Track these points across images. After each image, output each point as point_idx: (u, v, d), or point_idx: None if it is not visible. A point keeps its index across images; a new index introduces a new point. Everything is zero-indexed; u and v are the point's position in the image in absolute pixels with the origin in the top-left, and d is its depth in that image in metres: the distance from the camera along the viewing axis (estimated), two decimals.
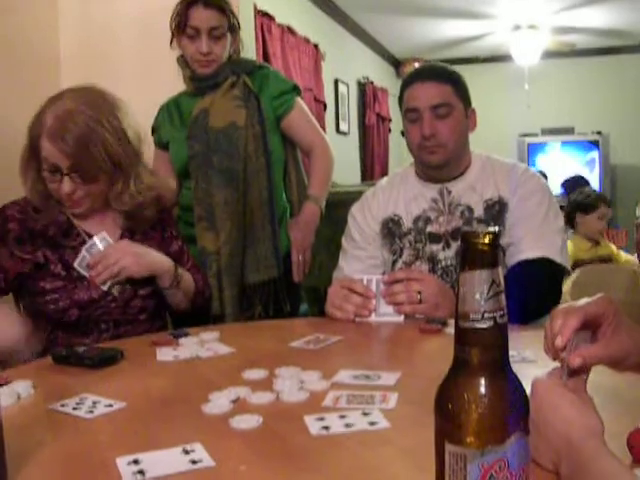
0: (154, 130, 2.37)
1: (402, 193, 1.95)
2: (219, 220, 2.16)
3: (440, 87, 1.84)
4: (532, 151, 8.55)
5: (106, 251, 1.72)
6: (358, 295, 1.70)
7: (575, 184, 6.29)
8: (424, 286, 1.68)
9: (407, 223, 1.91)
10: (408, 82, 1.90)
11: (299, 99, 2.36)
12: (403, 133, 1.93)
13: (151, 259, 1.76)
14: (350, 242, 1.99)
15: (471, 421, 0.55)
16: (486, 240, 0.56)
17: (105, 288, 1.72)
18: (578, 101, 8.67)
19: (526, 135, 8.56)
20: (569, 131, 8.63)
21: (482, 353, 0.56)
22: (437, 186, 1.90)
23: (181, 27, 2.19)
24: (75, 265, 1.72)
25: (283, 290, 2.24)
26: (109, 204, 1.80)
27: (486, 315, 0.55)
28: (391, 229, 1.93)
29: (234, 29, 2.26)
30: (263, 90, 2.27)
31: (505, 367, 0.57)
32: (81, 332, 1.73)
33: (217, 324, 2.02)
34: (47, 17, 2.41)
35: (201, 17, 2.16)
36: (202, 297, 1.96)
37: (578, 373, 0.83)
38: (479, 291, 0.55)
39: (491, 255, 0.56)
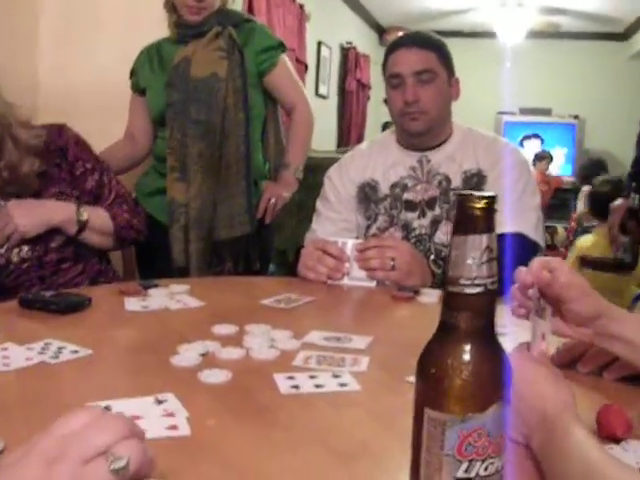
0: (132, 73, 2.31)
1: (381, 159, 1.93)
2: (191, 172, 2.12)
3: (424, 54, 1.82)
4: (509, 129, 8.58)
5: None
6: (332, 257, 1.69)
7: (596, 169, 6.26)
8: (398, 253, 1.67)
9: (384, 189, 1.90)
10: (392, 48, 1.87)
11: (284, 56, 2.30)
12: (386, 101, 1.91)
13: (44, 213, 1.69)
14: (325, 204, 1.97)
15: (453, 387, 0.54)
16: (482, 204, 0.54)
17: (2, 251, 1.66)
18: (558, 83, 8.69)
19: (504, 113, 8.57)
20: (546, 112, 8.67)
21: (470, 319, 0.55)
22: (417, 154, 1.89)
23: None
24: None
25: (255, 248, 2.21)
26: None
27: (477, 281, 0.54)
28: (367, 194, 1.91)
29: None
30: (248, 44, 2.20)
31: (492, 335, 0.56)
32: (5, 294, 1.61)
33: (182, 277, 2.01)
34: None
35: None
36: (131, 230, 1.88)
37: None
38: (472, 256, 0.54)
39: (486, 220, 0.54)
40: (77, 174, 1.82)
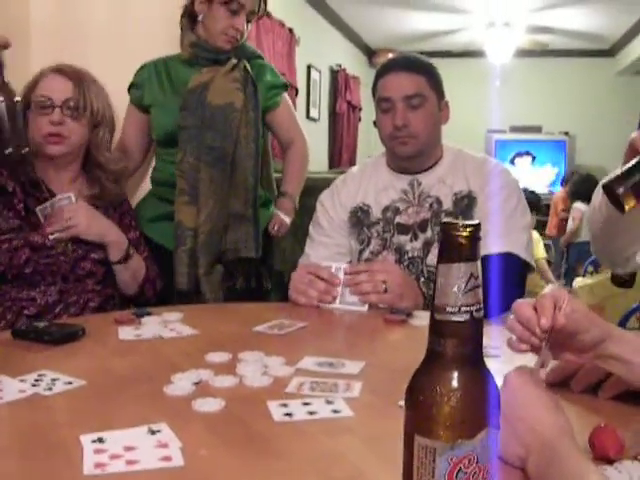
0: (133, 87, 2.29)
1: (372, 183, 1.95)
2: (202, 197, 2.14)
3: (414, 78, 1.83)
4: (499, 148, 8.63)
5: (66, 207, 1.79)
6: (323, 281, 1.70)
7: (587, 185, 6.25)
8: (389, 276, 1.68)
9: (376, 213, 1.91)
10: (382, 72, 1.89)
11: (286, 95, 2.40)
12: (375, 123, 1.92)
13: (104, 227, 1.82)
14: (317, 229, 1.98)
15: (442, 414, 0.55)
16: (466, 232, 0.55)
17: (51, 238, 1.76)
18: (547, 101, 8.76)
19: (494, 131, 8.63)
20: (537, 130, 8.73)
21: (457, 346, 0.55)
22: (408, 177, 1.90)
23: None
24: (37, 209, 1.78)
25: (263, 269, 2.23)
26: (79, 172, 1.89)
27: (463, 309, 0.55)
28: (360, 218, 1.92)
29: (258, 18, 2.30)
30: (258, 80, 2.27)
31: (479, 361, 0.56)
32: (28, 283, 1.74)
33: (183, 300, 2.05)
34: None
35: None
36: (152, 287, 1.96)
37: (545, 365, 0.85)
38: (457, 284, 0.55)
39: (471, 248, 0.55)
40: (124, 223, 1.95)
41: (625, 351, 0.94)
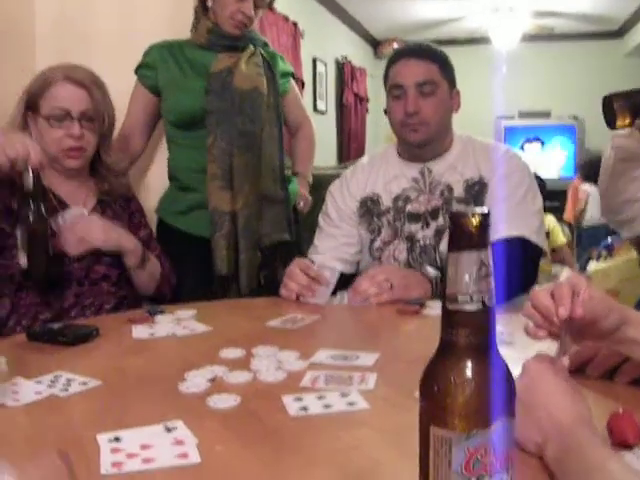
0: (144, 67, 2.25)
1: (382, 172, 1.94)
2: (237, 182, 2.16)
3: (426, 65, 1.83)
4: (508, 134, 8.58)
5: (78, 220, 1.76)
6: (305, 276, 1.70)
7: (595, 168, 6.27)
8: (388, 273, 1.70)
9: (386, 202, 1.91)
10: (394, 59, 1.89)
11: (293, 81, 2.48)
12: (386, 111, 1.91)
13: (119, 237, 1.80)
14: (326, 219, 1.98)
15: (457, 404, 0.54)
16: (476, 221, 0.54)
17: (70, 255, 1.74)
18: (556, 85, 8.70)
19: (503, 118, 8.58)
20: (546, 115, 8.68)
21: (469, 335, 0.55)
22: (418, 165, 1.90)
23: None
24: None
25: (296, 253, 2.26)
26: (86, 176, 1.88)
27: (474, 297, 0.54)
28: (369, 208, 1.92)
29: (269, 4, 2.30)
30: (273, 67, 2.31)
31: (493, 350, 0.56)
32: (44, 292, 1.73)
33: (223, 286, 2.11)
34: None
35: None
36: (168, 284, 1.96)
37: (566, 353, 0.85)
38: (468, 272, 0.54)
39: (480, 236, 0.55)
40: (134, 222, 1.95)
41: None
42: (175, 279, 2.00)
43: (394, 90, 1.85)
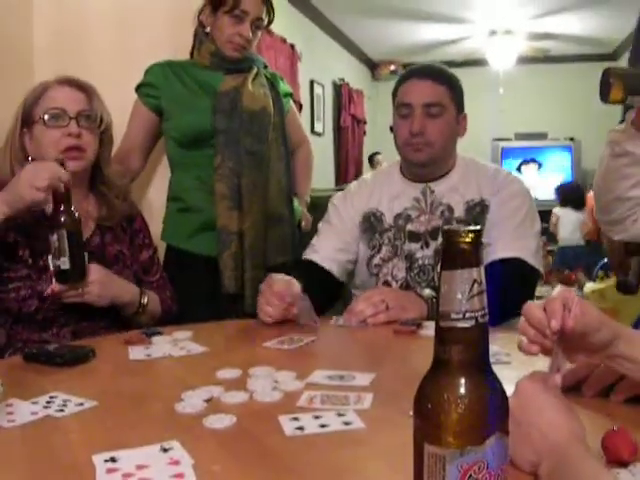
0: (146, 86, 2.25)
1: (386, 190, 1.96)
2: (246, 202, 2.17)
3: (436, 87, 1.85)
4: (505, 156, 8.62)
5: None
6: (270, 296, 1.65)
7: (571, 191, 6.56)
8: (384, 294, 1.70)
9: (388, 220, 1.92)
10: (405, 77, 1.91)
11: (292, 102, 2.51)
12: (392, 128, 1.93)
13: (116, 291, 1.73)
14: (327, 226, 2.00)
15: (451, 421, 0.54)
16: (468, 239, 0.55)
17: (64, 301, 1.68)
18: (552, 107, 8.76)
19: (500, 140, 8.63)
20: (542, 136, 8.72)
21: (463, 353, 0.55)
22: (420, 185, 1.91)
23: (228, 5, 2.15)
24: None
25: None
26: (86, 194, 1.83)
27: (467, 315, 0.55)
28: (372, 224, 1.94)
29: (267, 25, 2.30)
30: (276, 87, 2.34)
31: (485, 367, 0.56)
32: (40, 326, 1.69)
33: (231, 304, 2.12)
34: (21, 6, 2.37)
35: (253, 4, 2.16)
36: (169, 313, 1.93)
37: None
38: (461, 290, 0.55)
39: (473, 254, 0.55)
40: (136, 243, 1.91)
41: (636, 351, 0.94)
42: (176, 306, 1.97)
43: (402, 108, 1.87)
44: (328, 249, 1.94)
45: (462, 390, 0.55)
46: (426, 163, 1.87)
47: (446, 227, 0.54)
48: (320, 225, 2.04)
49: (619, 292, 2.56)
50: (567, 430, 0.75)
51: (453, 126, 1.88)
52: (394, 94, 1.92)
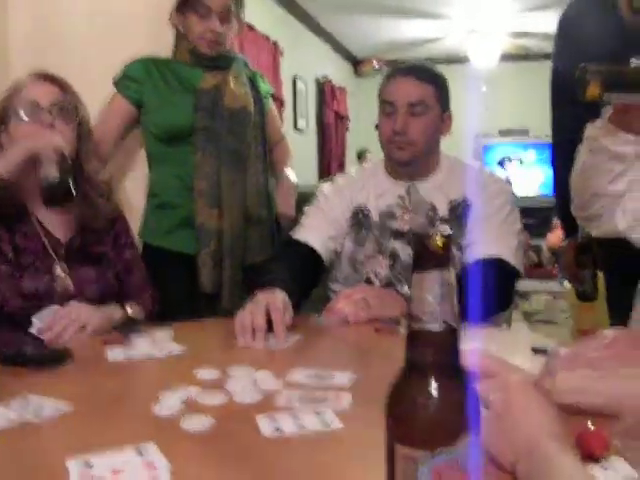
0: (127, 79, 2.22)
1: (372, 186, 1.96)
2: (225, 201, 2.17)
3: (421, 86, 1.84)
4: (487, 152, 8.65)
5: (60, 312, 1.62)
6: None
7: None
8: (364, 292, 1.71)
9: (374, 217, 1.92)
10: (390, 75, 1.90)
11: (271, 101, 2.50)
12: (377, 126, 1.92)
13: (105, 313, 1.69)
14: (318, 211, 1.97)
15: (421, 424, 0.54)
16: (437, 241, 0.55)
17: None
18: (533, 104, 8.78)
19: (482, 136, 8.66)
20: (524, 133, 8.76)
21: (433, 355, 0.55)
22: (405, 184, 1.91)
23: (190, 4, 2.15)
24: (33, 320, 1.62)
25: None
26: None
27: (437, 317, 0.55)
28: (360, 220, 1.93)
29: (240, 14, 2.26)
30: (256, 86, 2.34)
31: (457, 369, 0.56)
32: (21, 327, 1.65)
33: (209, 303, 2.10)
34: None
35: None
36: (152, 309, 1.91)
37: None
38: (430, 293, 0.55)
39: (442, 256, 0.55)
40: (119, 243, 1.90)
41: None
42: (157, 306, 1.95)
43: (385, 106, 1.87)
44: (320, 233, 1.91)
45: (433, 392, 0.55)
46: (408, 162, 1.87)
47: (414, 230, 0.54)
48: (308, 209, 2.01)
49: (580, 300, 2.64)
50: (547, 429, 0.75)
51: (437, 125, 1.88)
52: (380, 91, 1.92)
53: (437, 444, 0.54)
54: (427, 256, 0.55)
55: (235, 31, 2.26)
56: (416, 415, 0.55)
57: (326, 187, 2.03)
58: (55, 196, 1.68)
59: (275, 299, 1.55)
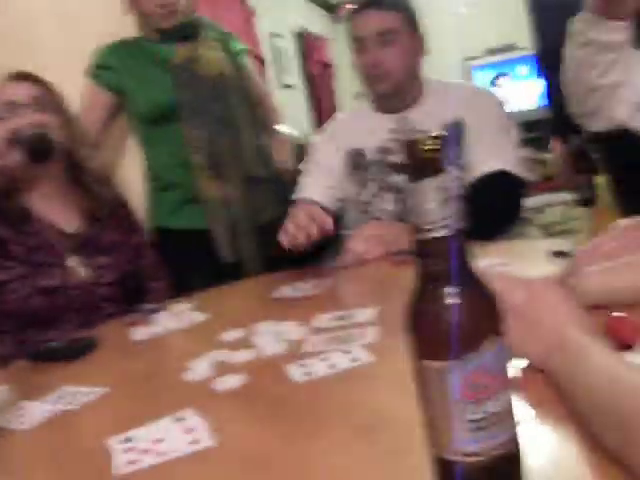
0: (100, 68, 2.19)
1: (362, 126, 1.93)
2: (224, 168, 2.16)
3: (384, 14, 1.81)
4: (477, 73, 8.54)
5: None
6: (306, 217, 1.56)
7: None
8: (375, 228, 1.71)
9: (369, 155, 1.89)
10: (354, 11, 1.87)
11: (247, 58, 2.43)
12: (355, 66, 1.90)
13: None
14: (313, 166, 1.96)
15: (442, 333, 0.53)
16: (427, 146, 0.53)
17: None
18: (516, 17, 8.63)
19: (469, 59, 8.54)
20: (510, 49, 8.62)
21: (442, 262, 0.54)
22: (394, 116, 1.89)
23: None
24: None
25: None
26: (68, 188, 1.81)
27: (440, 223, 0.53)
28: (356, 161, 1.91)
29: None
30: (229, 48, 2.30)
31: (468, 273, 0.55)
32: (47, 325, 1.68)
33: (233, 274, 2.04)
34: None
35: None
36: (166, 290, 1.92)
37: None
38: (428, 200, 0.53)
39: (435, 161, 0.53)
40: (127, 228, 1.90)
41: None
42: (171, 281, 1.96)
43: (355, 43, 1.84)
44: (320, 186, 1.91)
45: (448, 299, 0.54)
46: (391, 92, 1.84)
47: (404, 138, 0.53)
48: (304, 167, 2.01)
49: (581, 207, 2.62)
50: (577, 322, 0.74)
51: (411, 49, 1.85)
52: (348, 31, 1.89)
53: (461, 351, 0.53)
54: (418, 163, 0.54)
55: None
56: (433, 326, 0.54)
57: (316, 139, 2.02)
58: (37, 147, 1.67)
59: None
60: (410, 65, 1.85)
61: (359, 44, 1.82)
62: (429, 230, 0.54)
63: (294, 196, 1.94)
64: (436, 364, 0.54)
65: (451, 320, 0.54)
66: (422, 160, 0.54)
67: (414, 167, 0.54)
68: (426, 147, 0.53)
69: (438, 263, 0.54)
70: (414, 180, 0.54)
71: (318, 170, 1.94)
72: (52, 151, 1.71)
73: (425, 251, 0.55)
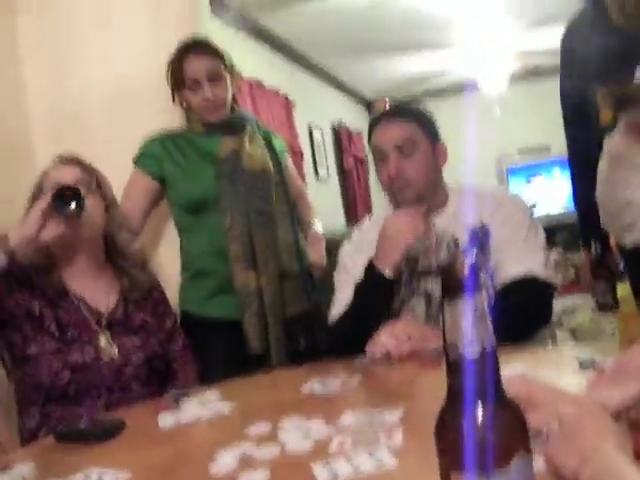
0: (145, 157, 2.28)
1: None
2: (261, 260, 2.21)
3: (403, 125, 1.85)
4: (511, 173, 8.63)
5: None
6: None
7: None
8: (404, 325, 1.70)
9: None
10: (373, 123, 1.92)
11: (287, 156, 2.55)
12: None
13: None
14: (344, 277, 1.97)
15: (471, 448, 0.55)
16: (462, 268, 0.56)
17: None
18: (551, 121, 8.78)
19: (504, 160, 8.65)
20: (545, 150, 8.73)
21: (474, 381, 0.56)
22: None
23: (180, 82, 2.22)
24: None
25: (317, 319, 2.28)
26: (105, 268, 1.89)
27: (473, 343, 0.56)
28: None
29: (231, 69, 2.29)
30: (272, 145, 2.39)
31: (498, 392, 0.57)
32: (73, 401, 1.72)
33: (260, 364, 2.10)
34: (13, 84, 2.45)
35: (196, 66, 2.19)
36: (196, 378, 1.96)
37: None
38: (462, 320, 0.56)
39: (470, 282, 0.56)
40: (159, 312, 1.96)
41: None
42: (198, 369, 2.00)
43: (376, 154, 1.89)
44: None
45: (479, 418, 0.55)
46: (413, 200, 1.85)
47: (440, 261, 0.56)
48: (336, 277, 2.02)
49: (600, 312, 2.64)
50: (614, 439, 0.74)
51: (431, 159, 1.88)
52: (368, 141, 1.94)
53: (490, 467, 0.55)
54: (455, 284, 0.56)
55: (232, 87, 2.28)
56: (464, 441, 0.56)
57: (345, 249, 2.03)
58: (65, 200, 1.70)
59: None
60: (431, 175, 1.88)
61: (380, 154, 1.87)
62: (461, 349, 0.56)
63: (330, 315, 1.95)
64: (464, 477, 0.56)
65: (480, 438, 0.55)
66: (457, 281, 0.57)
67: (449, 287, 0.57)
68: (460, 269, 0.56)
69: (468, 381, 0.56)
70: (448, 299, 0.57)
71: (351, 283, 1.91)
72: (79, 204, 1.71)
73: (456, 368, 0.57)
